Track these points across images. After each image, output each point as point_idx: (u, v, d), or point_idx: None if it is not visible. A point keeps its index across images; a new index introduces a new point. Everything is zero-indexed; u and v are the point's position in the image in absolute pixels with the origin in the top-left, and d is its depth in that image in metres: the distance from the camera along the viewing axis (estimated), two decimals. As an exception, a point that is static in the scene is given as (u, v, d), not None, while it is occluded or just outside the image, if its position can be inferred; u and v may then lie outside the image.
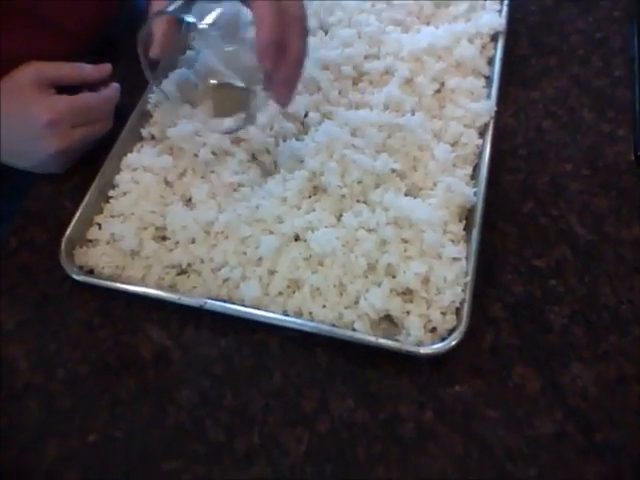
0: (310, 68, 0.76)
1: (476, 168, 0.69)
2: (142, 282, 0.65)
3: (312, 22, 0.81)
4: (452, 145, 0.70)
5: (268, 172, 0.71)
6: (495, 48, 0.79)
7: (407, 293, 0.62)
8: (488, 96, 0.74)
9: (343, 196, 0.67)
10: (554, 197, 0.70)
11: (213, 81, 0.70)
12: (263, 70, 0.59)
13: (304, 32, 0.61)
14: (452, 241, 0.64)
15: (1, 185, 0.77)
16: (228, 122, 0.68)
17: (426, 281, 0.61)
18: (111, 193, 0.71)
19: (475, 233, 0.64)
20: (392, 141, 0.70)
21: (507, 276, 0.64)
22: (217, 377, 0.60)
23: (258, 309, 0.61)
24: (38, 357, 0.62)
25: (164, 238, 0.68)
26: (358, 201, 0.67)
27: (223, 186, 0.69)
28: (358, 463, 0.55)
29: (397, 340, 0.59)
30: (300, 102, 0.74)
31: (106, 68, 0.73)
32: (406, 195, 0.67)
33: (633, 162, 0.71)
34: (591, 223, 0.67)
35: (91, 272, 0.66)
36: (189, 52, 0.77)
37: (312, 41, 0.79)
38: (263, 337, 0.62)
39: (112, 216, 0.69)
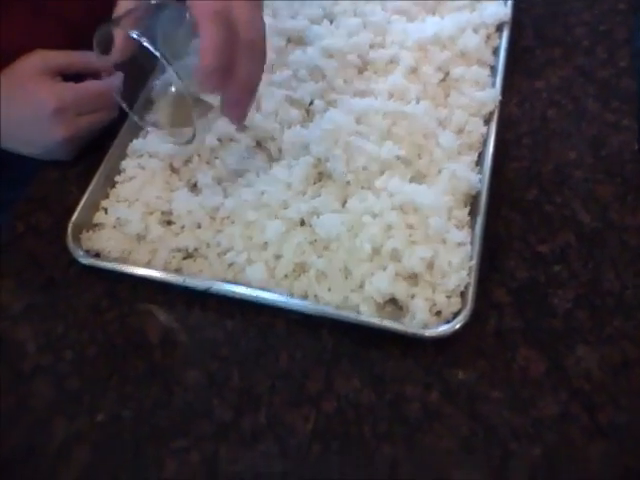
0: (315, 56, 0.77)
1: (481, 156, 0.70)
2: (148, 265, 0.65)
3: (317, 11, 0.81)
4: (457, 133, 0.71)
5: (273, 158, 0.71)
6: (500, 38, 0.79)
7: (412, 277, 0.62)
8: (493, 85, 0.75)
9: (348, 182, 0.67)
10: (558, 185, 0.70)
11: (172, 89, 0.69)
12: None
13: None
14: (457, 226, 0.64)
15: (5, 172, 0.78)
16: (180, 134, 0.67)
17: (431, 265, 0.62)
18: (117, 178, 0.71)
19: (480, 219, 0.64)
20: (397, 129, 0.70)
21: (511, 261, 0.65)
22: (224, 359, 0.60)
23: (264, 292, 0.62)
24: (46, 339, 0.63)
25: (170, 223, 0.68)
26: (363, 187, 0.67)
27: (228, 172, 0.70)
28: (364, 442, 0.55)
29: (402, 323, 0.60)
30: (305, 90, 0.74)
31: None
32: (411, 182, 0.67)
33: (637, 151, 0.72)
34: (595, 210, 0.68)
35: (97, 256, 0.67)
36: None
37: (318, 29, 0.79)
38: (269, 319, 0.62)
39: (118, 201, 0.70)
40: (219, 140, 0.71)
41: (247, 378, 0.59)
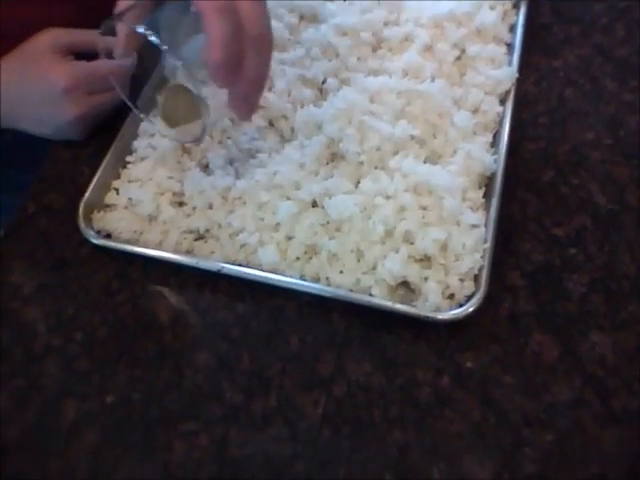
0: (329, 34, 0.75)
1: (496, 136, 0.69)
2: (160, 246, 0.65)
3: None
4: (472, 112, 0.70)
5: (285, 138, 0.70)
6: (517, 15, 0.78)
7: (425, 260, 0.61)
8: (509, 63, 0.73)
9: (361, 163, 0.66)
10: (575, 166, 0.69)
11: (179, 84, 0.67)
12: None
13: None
14: (471, 208, 0.63)
15: (20, 154, 0.77)
16: (179, 131, 0.67)
17: (444, 248, 0.61)
18: (128, 159, 0.71)
19: (495, 201, 0.63)
20: (411, 108, 0.69)
21: (526, 244, 0.64)
22: (234, 341, 0.60)
23: (275, 274, 0.61)
24: (57, 320, 0.63)
25: (181, 204, 0.68)
26: (376, 168, 0.66)
27: (240, 152, 0.69)
28: (375, 426, 0.55)
29: (414, 306, 0.59)
30: (318, 68, 0.73)
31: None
32: (425, 162, 0.66)
33: (655, 132, 0.71)
34: (612, 192, 0.67)
35: (109, 236, 0.66)
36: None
37: (331, 7, 0.78)
38: (280, 302, 0.62)
39: (130, 181, 0.69)
40: (231, 120, 0.70)
41: (258, 361, 0.59)
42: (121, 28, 0.60)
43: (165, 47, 0.55)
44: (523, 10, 0.78)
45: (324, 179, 0.65)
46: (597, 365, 0.57)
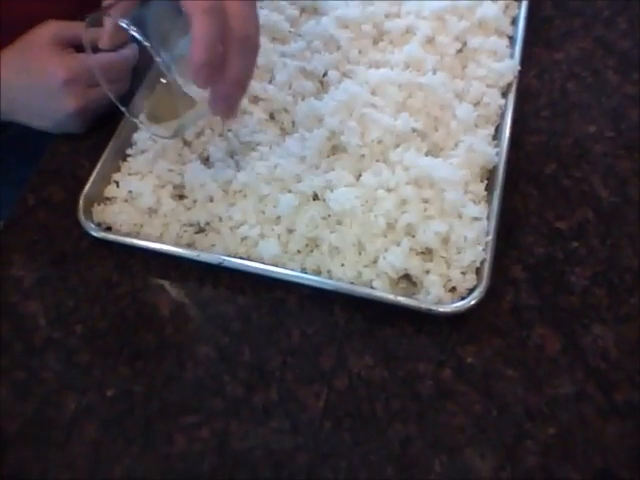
0: (330, 27, 0.75)
1: (498, 128, 0.68)
2: (160, 240, 0.65)
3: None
4: (474, 105, 0.69)
5: (286, 131, 0.70)
6: (519, 8, 0.77)
7: (427, 253, 0.61)
8: (511, 56, 0.73)
9: (363, 155, 0.66)
10: (577, 159, 0.68)
11: (163, 80, 0.67)
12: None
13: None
14: (473, 201, 0.63)
15: (21, 149, 0.77)
16: (160, 129, 0.66)
17: (446, 240, 0.61)
18: (129, 151, 0.70)
19: (497, 193, 0.63)
20: (413, 100, 0.69)
21: (528, 237, 0.64)
22: (235, 334, 0.60)
23: (276, 267, 0.61)
24: (57, 313, 0.62)
25: (182, 196, 0.67)
26: (378, 160, 0.66)
27: (241, 145, 0.69)
28: (376, 419, 0.55)
29: (416, 299, 0.59)
30: (319, 61, 0.73)
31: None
32: (427, 155, 0.66)
33: (658, 125, 0.70)
34: (614, 185, 0.66)
35: (109, 229, 0.66)
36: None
37: (332, -1, 0.78)
38: (281, 295, 0.62)
39: (130, 174, 0.69)
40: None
41: (259, 354, 0.59)
42: (107, 21, 0.60)
43: (146, 43, 0.55)
44: (525, 3, 0.77)
45: (325, 172, 0.65)
46: (600, 358, 0.56)
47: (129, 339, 0.61)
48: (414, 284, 0.60)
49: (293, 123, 0.70)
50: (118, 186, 0.68)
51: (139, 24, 0.56)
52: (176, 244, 0.64)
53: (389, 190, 0.63)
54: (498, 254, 0.60)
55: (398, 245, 0.60)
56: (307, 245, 0.62)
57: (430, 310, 0.58)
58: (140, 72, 0.73)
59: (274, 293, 0.62)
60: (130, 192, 0.67)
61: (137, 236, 0.65)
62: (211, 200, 0.66)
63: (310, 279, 0.61)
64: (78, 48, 0.70)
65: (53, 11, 0.71)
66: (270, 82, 0.72)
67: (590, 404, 0.54)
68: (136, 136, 0.71)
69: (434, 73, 0.71)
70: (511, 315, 0.59)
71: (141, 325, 0.61)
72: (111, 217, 0.66)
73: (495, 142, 0.67)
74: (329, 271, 0.61)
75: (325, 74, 0.73)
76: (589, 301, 0.60)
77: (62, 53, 0.69)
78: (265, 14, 0.76)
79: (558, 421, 0.54)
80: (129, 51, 0.71)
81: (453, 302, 0.58)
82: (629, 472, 0.51)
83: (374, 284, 0.60)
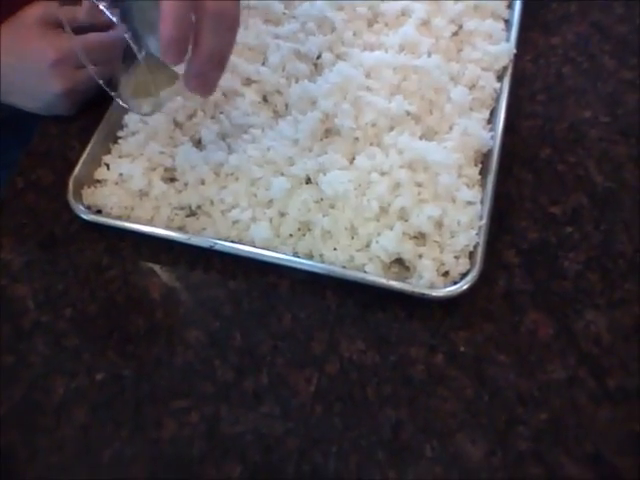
0: (324, 8, 0.74)
1: (493, 112, 0.68)
2: (151, 223, 0.64)
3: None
4: (469, 88, 0.69)
5: (279, 114, 0.69)
6: (515, -10, 0.77)
7: (420, 237, 0.61)
8: (507, 40, 0.72)
9: (356, 139, 0.65)
10: (572, 144, 0.68)
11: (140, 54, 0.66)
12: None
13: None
14: (467, 185, 0.62)
15: (12, 132, 0.76)
16: (141, 104, 0.64)
17: (439, 225, 0.60)
18: (119, 133, 0.70)
19: (491, 178, 0.62)
20: (407, 83, 0.68)
21: (522, 222, 0.63)
22: (226, 318, 0.60)
23: (268, 250, 0.61)
24: (46, 296, 0.62)
25: (173, 179, 0.67)
26: (371, 144, 0.65)
27: (233, 127, 0.68)
28: (367, 403, 0.55)
29: (409, 283, 0.58)
30: (313, 43, 0.72)
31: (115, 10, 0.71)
32: (421, 138, 0.65)
33: (653, 111, 0.70)
34: (609, 170, 0.66)
35: (99, 212, 0.65)
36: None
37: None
38: (273, 279, 0.61)
39: (120, 156, 0.68)
40: (224, 95, 0.69)
41: (249, 338, 0.58)
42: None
43: (114, 18, 0.54)
44: (521, -15, 0.76)
45: (318, 155, 0.65)
46: (592, 344, 0.56)
47: (119, 323, 0.60)
48: (407, 268, 0.60)
49: (286, 106, 0.70)
50: (108, 168, 0.67)
51: (123, 8, 0.55)
52: (167, 227, 0.64)
53: (383, 174, 0.63)
54: (491, 239, 0.60)
55: (391, 229, 0.60)
56: (299, 229, 0.62)
57: (423, 294, 0.57)
58: (132, 55, 0.71)
59: (266, 277, 0.61)
60: (121, 175, 0.66)
61: (127, 219, 0.64)
62: (202, 183, 0.65)
63: (302, 263, 0.60)
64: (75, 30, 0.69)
65: None
66: (263, 64, 0.72)
67: (582, 389, 0.54)
68: (127, 118, 0.70)
69: (429, 56, 0.70)
70: (504, 300, 0.59)
71: (131, 309, 0.61)
72: (101, 200, 0.65)
73: (490, 126, 0.66)
74: (321, 255, 0.60)
75: (319, 56, 0.72)
76: (582, 286, 0.59)
77: (51, 33, 0.68)
78: (258, -5, 0.75)
79: (550, 406, 0.54)
80: (117, 32, 0.70)
81: (446, 286, 0.58)
82: (621, 458, 0.51)
83: (367, 268, 0.59)
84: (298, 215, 0.62)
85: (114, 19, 0.54)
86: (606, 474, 0.51)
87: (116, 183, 0.66)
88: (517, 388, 0.54)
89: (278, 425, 0.54)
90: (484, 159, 0.65)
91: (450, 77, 0.69)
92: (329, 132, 0.67)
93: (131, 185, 0.65)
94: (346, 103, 0.66)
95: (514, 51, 0.71)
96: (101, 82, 0.65)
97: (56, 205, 0.66)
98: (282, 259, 0.60)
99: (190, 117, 0.69)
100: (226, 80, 0.68)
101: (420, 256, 0.59)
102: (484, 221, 0.60)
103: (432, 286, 0.58)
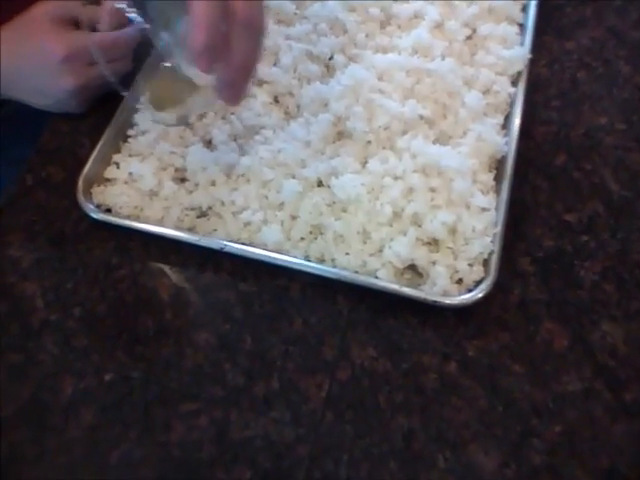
0: (336, 9, 0.73)
1: (507, 118, 0.67)
2: (160, 223, 0.63)
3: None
4: (483, 93, 0.68)
5: (291, 115, 0.69)
6: (530, -6, 0.76)
7: (433, 243, 0.60)
8: (522, 44, 0.72)
9: (369, 142, 0.65)
10: (588, 151, 0.67)
11: (166, 64, 0.63)
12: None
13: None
14: (481, 191, 0.62)
15: (21, 129, 0.76)
16: (165, 115, 0.64)
17: (453, 231, 0.60)
18: (130, 132, 0.69)
19: (505, 184, 0.62)
20: (421, 87, 0.67)
21: (537, 230, 0.63)
22: (236, 321, 0.59)
23: (279, 253, 0.60)
24: (55, 295, 0.61)
25: (183, 180, 0.66)
26: (384, 147, 0.65)
27: (244, 128, 0.67)
28: (379, 411, 0.54)
29: (422, 290, 0.58)
30: (325, 44, 0.71)
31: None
32: (434, 143, 0.64)
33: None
34: (625, 178, 0.65)
35: (109, 211, 0.65)
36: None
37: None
38: (284, 282, 0.61)
39: (130, 155, 0.68)
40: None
41: (260, 342, 0.58)
42: (105, 3, 0.59)
43: (145, 25, 0.53)
44: (536, -10, 0.76)
45: (330, 158, 0.64)
46: (608, 355, 0.56)
47: (128, 323, 0.59)
48: (420, 275, 0.59)
49: (298, 107, 0.69)
50: (118, 167, 0.67)
51: (136, 5, 0.54)
52: (177, 228, 0.63)
53: (396, 178, 0.62)
54: (506, 246, 0.59)
55: (404, 235, 0.59)
56: (311, 232, 0.61)
57: (436, 302, 0.57)
58: (143, 53, 0.71)
59: (276, 280, 0.61)
60: (131, 174, 0.66)
61: (137, 219, 0.64)
62: (213, 184, 0.65)
63: (313, 267, 0.59)
64: (79, 26, 0.69)
65: None
66: (275, 65, 0.71)
67: (598, 402, 0.54)
68: (137, 117, 0.69)
69: (442, 59, 0.70)
70: (519, 309, 0.58)
71: (140, 309, 0.60)
72: (111, 199, 0.65)
73: (504, 131, 0.66)
74: (333, 259, 0.60)
75: (331, 58, 0.72)
76: (598, 296, 0.59)
77: (61, 30, 0.67)
78: (271, -5, 0.75)
79: (565, 418, 0.53)
80: (131, 30, 0.70)
81: (460, 294, 0.57)
82: (636, 472, 0.51)
83: (379, 274, 0.59)
84: (310, 218, 0.61)
85: (143, 25, 0.53)
86: (621, 489, 0.51)
87: (126, 182, 0.66)
88: (532, 399, 0.54)
89: (288, 431, 0.54)
90: (499, 165, 0.64)
91: (464, 81, 0.69)
92: (341, 135, 0.66)
93: (141, 185, 0.65)
94: (358, 106, 0.65)
95: (529, 56, 0.70)
96: (113, 80, 0.64)
97: (66, 203, 0.65)
98: (293, 262, 0.60)
99: (201, 117, 0.69)
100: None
101: (434, 263, 0.59)
102: (499, 228, 0.59)
103: (445, 293, 0.57)
